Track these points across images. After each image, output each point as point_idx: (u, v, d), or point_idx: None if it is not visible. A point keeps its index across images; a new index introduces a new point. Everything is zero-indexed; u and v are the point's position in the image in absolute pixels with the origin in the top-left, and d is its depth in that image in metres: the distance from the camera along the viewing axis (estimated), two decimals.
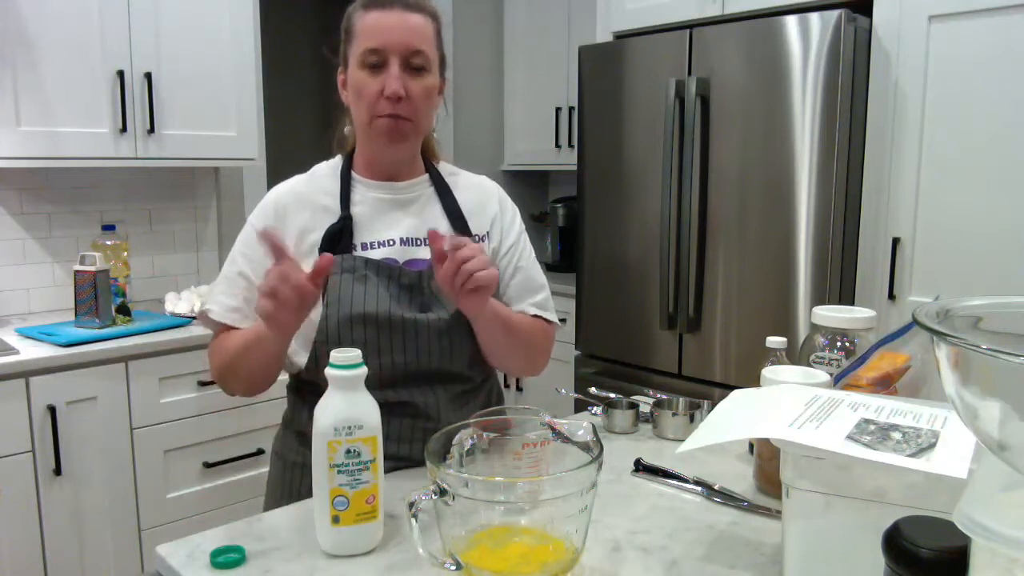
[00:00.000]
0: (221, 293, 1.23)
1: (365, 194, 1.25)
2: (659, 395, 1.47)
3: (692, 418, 1.36)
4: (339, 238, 1.20)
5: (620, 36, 2.90)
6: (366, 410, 0.92)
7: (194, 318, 2.45)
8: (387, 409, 1.10)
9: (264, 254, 1.18)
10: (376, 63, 1.16)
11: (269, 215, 1.22)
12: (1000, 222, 2.07)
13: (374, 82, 1.16)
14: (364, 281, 1.17)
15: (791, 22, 2.24)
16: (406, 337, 1.18)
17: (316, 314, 1.15)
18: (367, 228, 1.23)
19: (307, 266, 1.16)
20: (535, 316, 1.31)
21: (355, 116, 1.23)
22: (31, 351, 2.09)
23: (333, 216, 1.22)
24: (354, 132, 1.27)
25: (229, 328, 1.22)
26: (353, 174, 1.27)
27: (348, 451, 0.90)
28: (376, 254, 1.21)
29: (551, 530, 0.84)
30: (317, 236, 1.20)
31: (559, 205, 3.74)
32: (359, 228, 1.22)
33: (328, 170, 1.29)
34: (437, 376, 1.22)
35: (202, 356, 2.33)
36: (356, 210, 1.23)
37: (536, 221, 3.93)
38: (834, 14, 2.16)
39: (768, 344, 1.22)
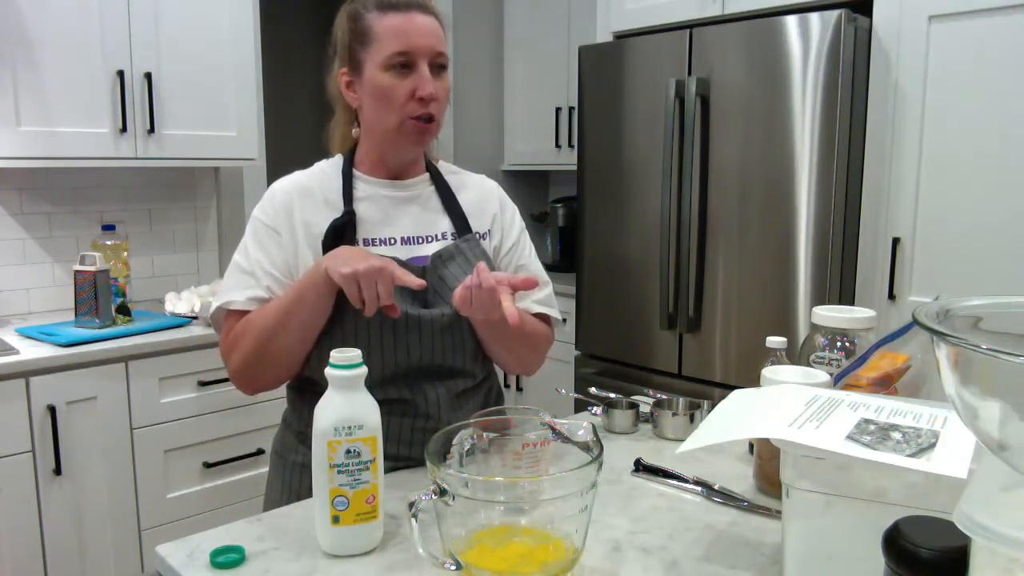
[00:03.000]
0: (239, 286, 1.20)
1: (368, 191, 1.26)
2: (659, 395, 1.47)
3: (692, 418, 1.36)
4: (343, 233, 1.20)
5: (620, 36, 2.90)
6: (366, 410, 0.92)
7: (195, 318, 2.45)
8: (387, 408, 1.10)
9: (274, 244, 1.19)
10: (404, 65, 1.17)
11: (277, 208, 1.22)
12: (1000, 222, 2.07)
13: (403, 84, 1.17)
14: None
15: (791, 22, 2.24)
16: (409, 332, 1.18)
17: None
18: (369, 225, 1.24)
19: (309, 260, 1.18)
20: (537, 314, 1.32)
21: (375, 118, 1.22)
22: (31, 351, 2.09)
23: (336, 211, 1.22)
24: (360, 133, 1.27)
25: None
26: (355, 171, 1.27)
27: (348, 451, 0.90)
28: (378, 252, 1.21)
29: (551, 530, 0.84)
30: (321, 230, 1.21)
31: (559, 205, 3.74)
32: (362, 224, 1.23)
33: (329, 167, 1.29)
34: (439, 372, 1.23)
35: (202, 356, 2.33)
36: (359, 206, 1.24)
37: (536, 221, 3.93)
38: (834, 14, 2.16)
39: (768, 344, 1.22)
